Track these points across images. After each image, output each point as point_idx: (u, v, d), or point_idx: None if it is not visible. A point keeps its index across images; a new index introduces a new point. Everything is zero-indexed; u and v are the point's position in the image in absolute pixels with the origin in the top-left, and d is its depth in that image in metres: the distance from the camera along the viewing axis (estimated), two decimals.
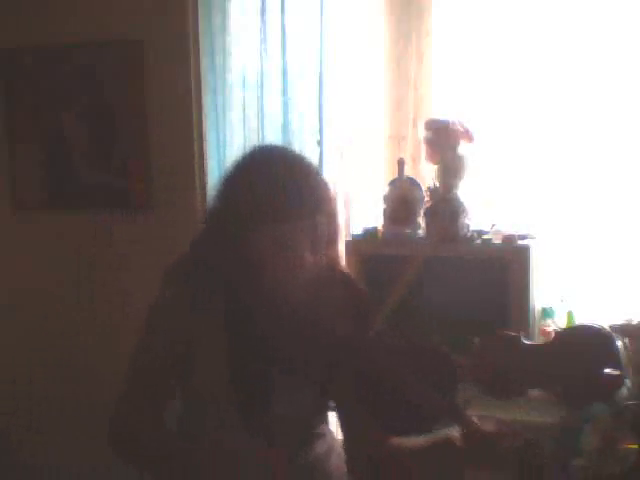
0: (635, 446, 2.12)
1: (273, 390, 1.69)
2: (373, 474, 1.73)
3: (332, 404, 1.80)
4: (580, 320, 2.62)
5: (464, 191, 2.71)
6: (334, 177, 3.01)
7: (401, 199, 2.77)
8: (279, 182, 1.64)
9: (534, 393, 2.37)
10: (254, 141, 2.97)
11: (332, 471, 1.83)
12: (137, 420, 1.71)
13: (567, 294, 2.73)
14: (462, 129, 2.69)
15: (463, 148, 2.70)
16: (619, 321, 2.46)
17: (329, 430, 1.89)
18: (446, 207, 2.67)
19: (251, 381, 1.68)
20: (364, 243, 2.80)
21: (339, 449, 1.87)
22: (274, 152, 1.81)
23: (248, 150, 1.76)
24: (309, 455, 1.79)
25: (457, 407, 1.57)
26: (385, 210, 2.80)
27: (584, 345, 2.34)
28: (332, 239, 1.73)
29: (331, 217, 1.71)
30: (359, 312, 1.70)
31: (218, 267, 1.67)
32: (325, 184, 1.73)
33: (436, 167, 2.72)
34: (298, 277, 1.65)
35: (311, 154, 2.91)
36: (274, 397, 1.70)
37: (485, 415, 1.62)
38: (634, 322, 2.46)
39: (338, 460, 1.87)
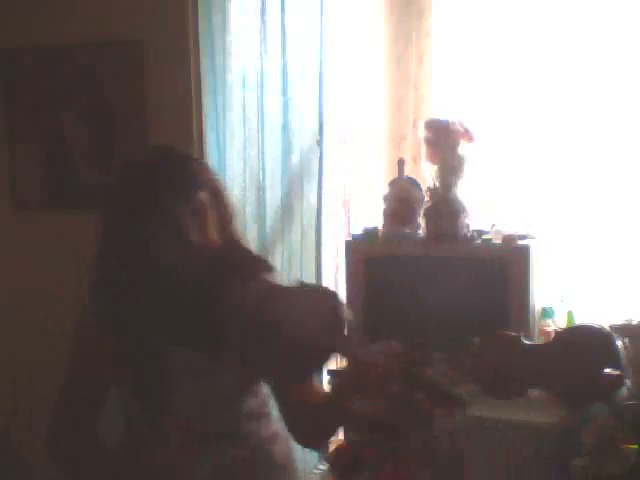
0: (635, 446, 2.13)
1: (190, 373, 1.71)
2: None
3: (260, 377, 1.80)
4: (580, 320, 2.62)
5: (464, 191, 2.71)
6: (334, 177, 3.02)
7: (401, 199, 2.77)
8: (153, 170, 1.70)
9: (534, 393, 2.37)
10: (254, 141, 2.98)
11: (277, 455, 1.83)
12: (72, 433, 1.79)
13: (567, 294, 2.73)
14: (462, 129, 2.70)
15: (463, 148, 2.70)
16: (619, 321, 2.46)
17: (273, 413, 1.88)
18: (446, 207, 2.67)
19: (158, 368, 1.72)
20: (364, 243, 2.80)
21: (287, 434, 1.86)
22: (151, 148, 1.91)
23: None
24: (252, 438, 1.79)
25: (342, 342, 1.58)
26: (385, 210, 2.80)
27: (584, 345, 2.34)
28: (225, 217, 1.75)
29: (217, 196, 1.74)
30: (254, 278, 1.70)
31: (118, 264, 1.73)
32: (205, 168, 1.78)
33: (436, 167, 2.72)
34: (189, 257, 1.67)
35: (311, 154, 2.92)
36: (192, 379, 1.71)
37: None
38: (634, 322, 2.46)
39: (285, 445, 1.86)
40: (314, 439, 1.83)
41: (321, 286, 1.87)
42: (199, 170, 1.74)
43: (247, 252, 1.78)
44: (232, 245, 1.75)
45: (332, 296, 1.65)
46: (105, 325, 1.73)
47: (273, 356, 1.59)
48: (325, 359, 1.62)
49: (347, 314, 1.62)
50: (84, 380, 1.80)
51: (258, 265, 1.73)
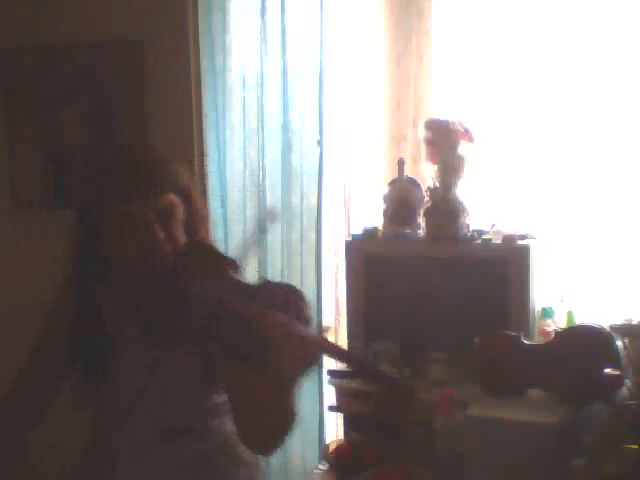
0: (635, 446, 2.13)
1: (154, 369, 1.74)
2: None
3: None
4: (580, 320, 2.62)
5: (464, 191, 2.71)
6: (334, 177, 3.01)
7: (401, 199, 2.77)
8: (122, 168, 1.74)
9: (534, 393, 2.37)
10: (254, 141, 2.98)
11: (242, 452, 1.84)
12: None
13: (567, 294, 2.73)
14: (462, 129, 2.69)
15: (463, 148, 2.70)
16: (619, 321, 2.46)
17: None
18: (446, 207, 2.67)
19: (120, 363, 1.76)
20: (364, 243, 2.80)
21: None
22: (121, 148, 1.97)
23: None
24: (216, 434, 1.81)
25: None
26: (385, 210, 2.80)
27: (584, 345, 2.34)
28: (195, 219, 1.79)
29: (188, 199, 1.77)
30: (219, 275, 1.70)
31: (88, 259, 1.81)
32: (177, 168, 1.80)
33: (436, 167, 2.72)
34: (156, 253, 1.70)
35: (311, 154, 2.91)
36: (157, 374, 1.74)
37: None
38: (634, 322, 2.46)
39: None
40: (262, 440, 1.76)
41: (287, 284, 1.91)
42: (171, 172, 1.76)
43: (215, 252, 1.79)
44: (201, 247, 1.77)
45: (297, 294, 1.67)
46: (73, 318, 1.79)
47: (235, 349, 1.61)
48: (289, 354, 1.62)
49: (312, 312, 1.64)
50: (38, 366, 1.91)
51: (225, 263, 1.74)
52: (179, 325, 1.64)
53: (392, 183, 2.82)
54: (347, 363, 1.62)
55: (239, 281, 1.68)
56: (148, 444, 1.76)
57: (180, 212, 1.74)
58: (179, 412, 1.77)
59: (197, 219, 1.80)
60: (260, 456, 1.94)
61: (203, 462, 1.78)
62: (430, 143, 2.73)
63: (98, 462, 1.82)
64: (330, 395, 2.80)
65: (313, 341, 1.59)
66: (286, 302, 1.62)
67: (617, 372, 2.26)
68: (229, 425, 1.80)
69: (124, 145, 1.91)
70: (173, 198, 1.73)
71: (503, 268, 2.59)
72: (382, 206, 2.81)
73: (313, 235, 2.94)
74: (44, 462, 2.89)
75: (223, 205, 3.03)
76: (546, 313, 2.69)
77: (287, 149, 2.94)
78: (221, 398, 1.80)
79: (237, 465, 1.83)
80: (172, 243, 1.72)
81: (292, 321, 1.57)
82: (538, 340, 2.59)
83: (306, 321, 1.62)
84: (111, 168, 1.76)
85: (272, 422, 1.69)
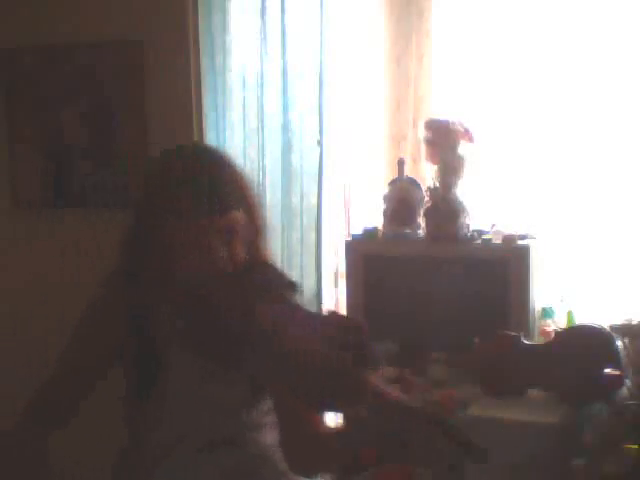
0: (635, 446, 2.13)
1: (201, 382, 1.71)
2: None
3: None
4: (580, 320, 2.62)
5: (464, 191, 2.71)
6: (334, 177, 3.01)
7: (401, 199, 2.77)
8: (189, 178, 1.65)
9: (534, 393, 2.37)
10: (254, 141, 2.98)
11: (280, 463, 1.81)
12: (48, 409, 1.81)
13: (567, 294, 2.73)
14: (462, 129, 2.70)
15: (463, 148, 2.70)
16: (619, 321, 2.46)
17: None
18: (446, 207, 2.67)
19: (168, 373, 1.71)
20: (364, 243, 2.80)
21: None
22: (191, 150, 1.83)
23: (167, 149, 1.77)
24: (255, 446, 1.78)
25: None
26: (385, 210, 2.80)
27: (584, 345, 2.34)
28: (255, 233, 1.74)
29: (251, 213, 1.71)
30: (280, 299, 1.65)
31: (143, 264, 1.71)
32: (242, 180, 1.73)
33: (436, 167, 2.72)
34: (214, 270, 1.65)
35: (311, 154, 2.92)
36: (203, 388, 1.71)
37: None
38: (634, 322, 2.46)
39: None
40: (308, 469, 1.78)
41: (354, 318, 1.87)
42: (239, 186, 1.70)
43: (273, 270, 1.76)
44: (258, 262, 1.73)
45: (361, 332, 1.63)
46: (121, 318, 1.72)
47: (291, 380, 1.56)
48: (345, 392, 1.59)
49: (374, 348, 1.59)
50: (78, 364, 1.81)
51: (284, 285, 1.70)
52: (230, 347, 1.60)
53: (392, 183, 2.82)
54: (408, 418, 1.57)
55: (301, 307, 1.62)
56: (188, 455, 1.73)
57: (243, 229, 1.68)
58: (222, 424, 1.74)
59: (257, 233, 1.75)
60: None
61: (243, 473, 1.76)
62: (430, 143, 2.73)
63: (135, 471, 1.79)
64: None
65: (378, 393, 1.53)
66: (348, 338, 1.54)
67: (617, 372, 2.26)
68: (269, 437, 1.79)
69: (203, 149, 1.81)
70: (238, 215, 1.66)
71: (503, 268, 2.59)
72: (382, 206, 2.81)
73: (313, 235, 2.94)
74: (67, 465, 2.90)
75: None
76: (546, 313, 2.69)
77: (287, 149, 2.94)
78: (261, 411, 1.78)
79: (277, 476, 1.82)
80: (232, 260, 1.66)
81: (354, 363, 1.50)
82: (538, 340, 2.59)
83: (365, 361, 1.53)
84: (181, 174, 1.66)
85: (319, 455, 1.70)
